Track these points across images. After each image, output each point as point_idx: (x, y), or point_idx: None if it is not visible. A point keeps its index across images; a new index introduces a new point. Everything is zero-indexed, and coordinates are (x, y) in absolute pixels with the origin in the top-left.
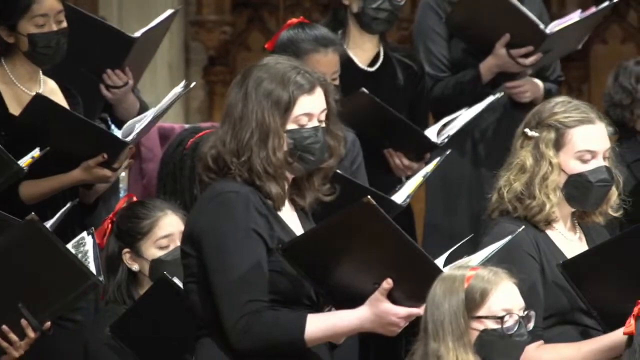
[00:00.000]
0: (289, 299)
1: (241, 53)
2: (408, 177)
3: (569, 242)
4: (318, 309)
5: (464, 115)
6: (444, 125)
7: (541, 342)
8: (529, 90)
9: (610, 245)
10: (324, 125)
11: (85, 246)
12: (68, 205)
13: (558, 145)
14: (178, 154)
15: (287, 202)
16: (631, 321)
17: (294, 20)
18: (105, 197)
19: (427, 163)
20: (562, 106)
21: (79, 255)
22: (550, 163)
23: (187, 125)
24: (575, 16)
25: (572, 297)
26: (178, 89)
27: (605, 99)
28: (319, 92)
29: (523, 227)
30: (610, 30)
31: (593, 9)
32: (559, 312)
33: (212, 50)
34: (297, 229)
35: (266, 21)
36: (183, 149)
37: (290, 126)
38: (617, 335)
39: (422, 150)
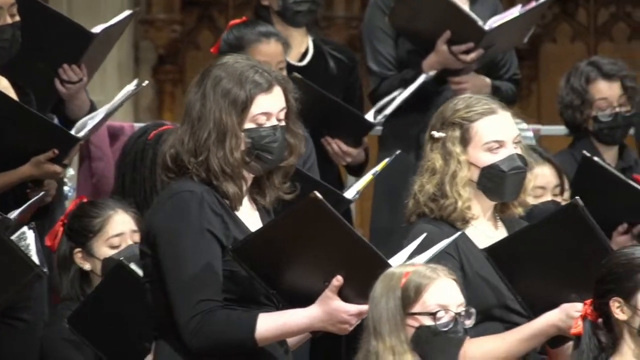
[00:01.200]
0: (245, 298)
1: (190, 52)
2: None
3: (489, 238)
4: (278, 308)
5: (399, 97)
6: (379, 111)
7: (466, 337)
8: (472, 87)
9: (533, 229)
10: (283, 124)
11: (26, 240)
12: (36, 197)
13: (464, 141)
14: (140, 144)
15: (247, 201)
16: (579, 322)
17: (237, 20)
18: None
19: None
20: (463, 102)
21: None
22: (459, 160)
23: (137, 125)
24: (515, 11)
25: (495, 294)
26: (130, 87)
27: (558, 100)
28: (277, 91)
29: (461, 232)
30: (559, 29)
31: (533, 4)
32: (483, 309)
33: (162, 49)
34: (256, 228)
35: (216, 20)
36: (146, 139)
37: (248, 125)
38: (540, 323)
39: (359, 132)
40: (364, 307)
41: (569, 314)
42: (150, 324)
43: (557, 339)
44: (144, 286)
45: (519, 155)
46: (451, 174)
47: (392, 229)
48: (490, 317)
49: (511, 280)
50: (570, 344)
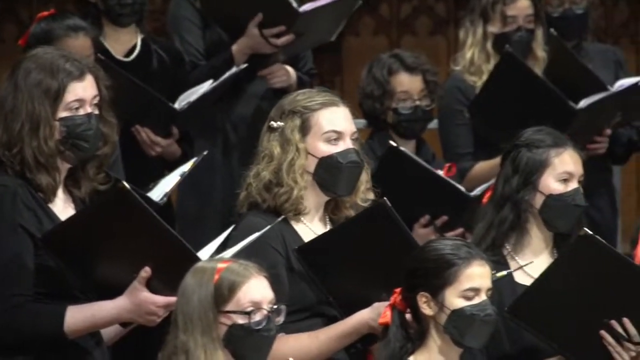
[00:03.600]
0: (58, 292)
1: None
2: (169, 169)
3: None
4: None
5: (205, 85)
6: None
7: (282, 334)
8: (283, 75)
9: (342, 228)
10: (97, 112)
11: None
12: None
13: (304, 129)
14: None
15: (62, 193)
16: (387, 312)
17: (45, 13)
18: None
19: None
20: (304, 94)
21: None
22: (297, 148)
23: None
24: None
25: (316, 290)
26: None
27: (358, 91)
28: (89, 79)
29: (279, 219)
30: (362, 22)
31: None
32: (306, 305)
33: None
34: None
35: (19, 13)
36: None
37: (63, 114)
38: (352, 321)
39: (165, 120)
40: (172, 299)
41: (380, 313)
42: None
43: (369, 337)
44: None
45: (355, 150)
46: (289, 162)
47: (200, 219)
48: (314, 314)
49: (324, 279)
50: None
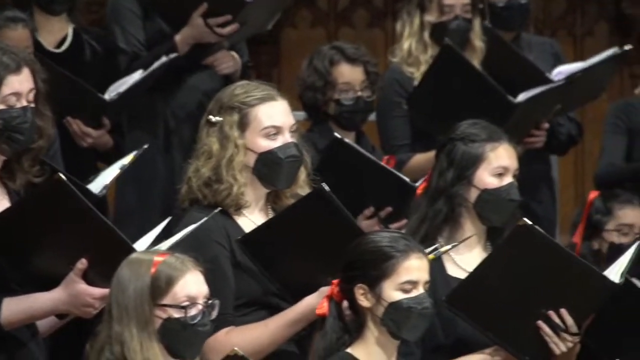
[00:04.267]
0: None
1: None
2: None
3: None
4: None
5: (136, 75)
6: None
7: (232, 327)
8: (230, 61)
9: (285, 216)
10: (32, 105)
11: None
12: None
13: (242, 125)
14: None
15: None
16: (324, 303)
17: None
18: None
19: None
20: (242, 88)
21: None
22: (236, 144)
23: None
24: None
25: (261, 281)
26: None
27: (298, 82)
28: (26, 72)
29: (216, 210)
30: (299, 15)
31: None
32: (253, 297)
33: None
34: None
35: None
36: None
37: None
38: (300, 307)
39: (96, 112)
40: (107, 291)
41: None
42: None
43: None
44: None
45: (295, 144)
46: (228, 158)
47: (136, 211)
48: (262, 306)
49: (268, 268)
50: None
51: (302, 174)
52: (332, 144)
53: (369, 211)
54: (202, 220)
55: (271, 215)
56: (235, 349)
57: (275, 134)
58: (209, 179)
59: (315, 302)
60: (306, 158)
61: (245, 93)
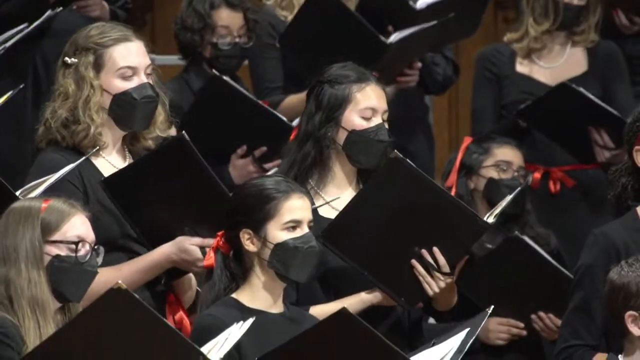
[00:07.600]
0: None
1: None
2: None
3: (116, 169)
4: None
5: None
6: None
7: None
8: (97, 6)
9: (146, 161)
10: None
11: None
12: None
13: (98, 66)
14: None
15: None
16: (211, 254)
17: None
18: None
19: None
20: (97, 29)
21: None
22: (92, 85)
23: None
24: None
25: (119, 224)
26: None
27: (176, 21)
28: None
29: (82, 158)
30: None
31: None
32: (109, 238)
33: None
34: None
35: None
36: None
37: None
38: (155, 255)
39: None
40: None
41: (181, 247)
42: None
43: (175, 271)
44: None
45: (150, 85)
46: (84, 99)
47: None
48: (115, 247)
49: (129, 211)
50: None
51: (161, 116)
52: (209, 82)
53: (241, 150)
54: (71, 166)
55: (129, 157)
56: (119, 282)
57: (130, 75)
58: (67, 120)
59: (169, 251)
60: (163, 99)
61: (100, 34)
